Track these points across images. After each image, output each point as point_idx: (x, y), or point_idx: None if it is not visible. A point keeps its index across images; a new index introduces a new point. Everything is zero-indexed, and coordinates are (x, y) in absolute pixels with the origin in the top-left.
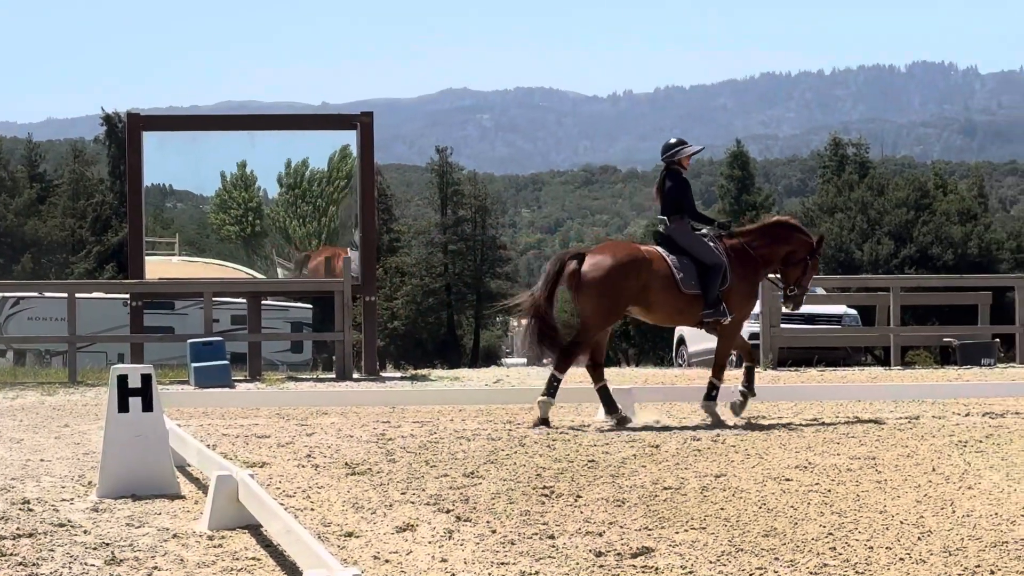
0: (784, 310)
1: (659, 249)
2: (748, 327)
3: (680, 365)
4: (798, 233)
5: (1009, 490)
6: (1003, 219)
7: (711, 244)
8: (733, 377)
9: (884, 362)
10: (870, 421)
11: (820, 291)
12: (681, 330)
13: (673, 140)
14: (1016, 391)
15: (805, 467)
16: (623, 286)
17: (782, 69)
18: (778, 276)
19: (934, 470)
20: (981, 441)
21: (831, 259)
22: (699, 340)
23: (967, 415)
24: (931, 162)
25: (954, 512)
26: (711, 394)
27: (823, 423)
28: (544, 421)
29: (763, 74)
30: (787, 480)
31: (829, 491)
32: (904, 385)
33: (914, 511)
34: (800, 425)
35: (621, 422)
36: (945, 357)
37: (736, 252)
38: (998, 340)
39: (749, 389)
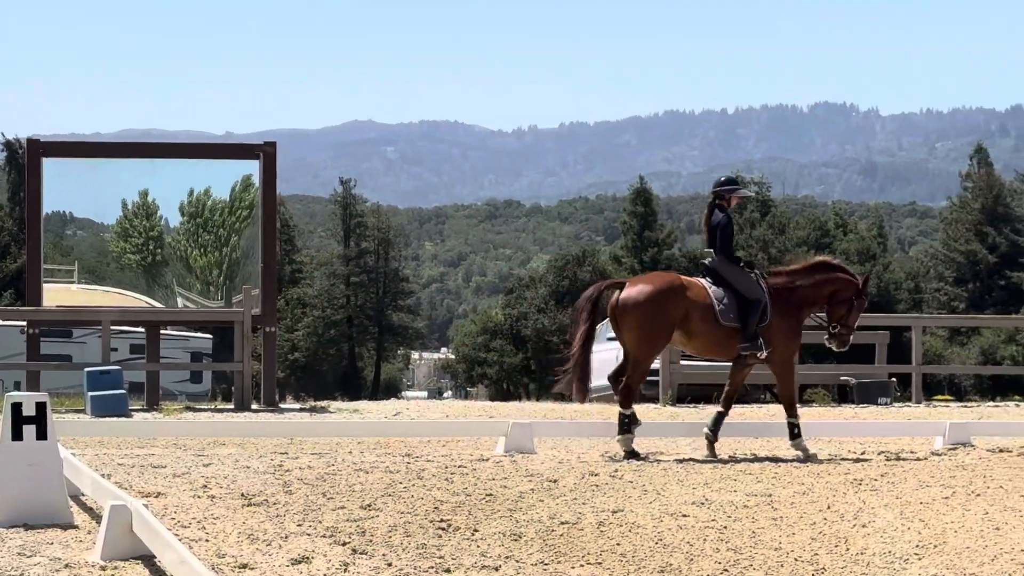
0: (831, 346)
1: (702, 280)
2: None
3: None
4: (842, 273)
5: (903, 528)
6: (901, 259)
7: (755, 280)
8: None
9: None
10: (767, 458)
11: None
12: None
13: (723, 178)
14: (912, 430)
15: (702, 503)
16: (664, 313)
17: (686, 107)
18: (823, 315)
19: (829, 508)
20: (876, 479)
21: None
22: (599, 376)
23: (863, 453)
24: (832, 202)
25: (848, 550)
26: (794, 432)
27: (721, 459)
28: (633, 454)
29: (667, 111)
30: (684, 516)
31: (725, 527)
32: (802, 423)
33: (809, 548)
34: (698, 461)
35: (630, 454)
36: (843, 395)
37: (778, 290)
38: (895, 379)
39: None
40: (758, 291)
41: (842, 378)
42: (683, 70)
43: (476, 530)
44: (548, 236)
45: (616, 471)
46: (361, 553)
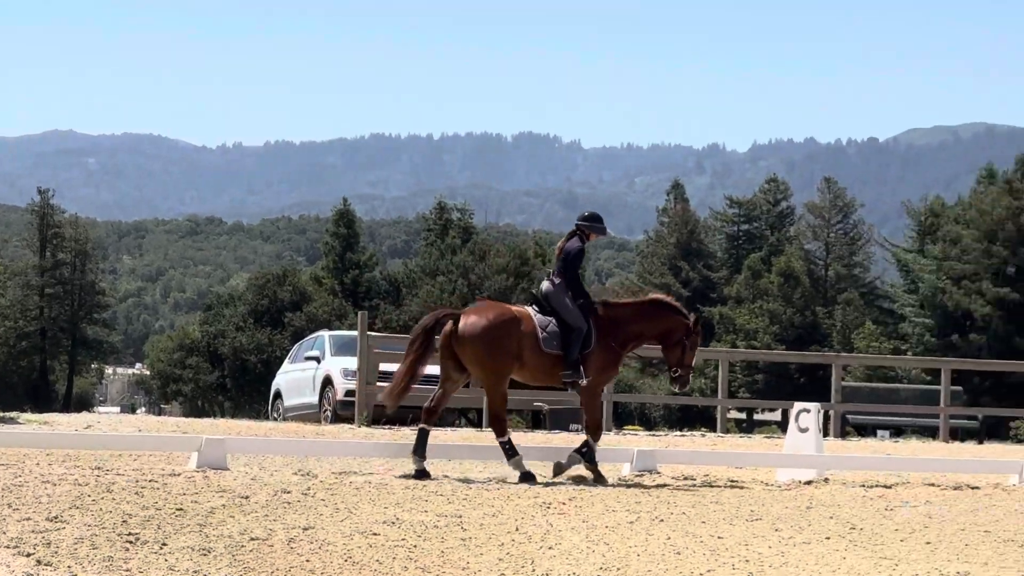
0: (673, 390)
1: (529, 309)
2: (344, 384)
3: (276, 418)
4: (674, 313)
5: (588, 551)
6: (599, 291)
7: (579, 309)
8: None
9: (477, 424)
10: (459, 480)
11: None
12: (278, 384)
13: (588, 213)
14: (601, 457)
15: (393, 522)
16: (502, 343)
17: (392, 131)
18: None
19: (517, 530)
20: (564, 503)
21: None
22: (295, 395)
23: (555, 477)
24: (533, 231)
25: (534, 571)
26: (582, 450)
27: (414, 479)
28: (529, 476)
29: (373, 134)
30: (374, 535)
31: (415, 547)
32: (487, 446)
33: (496, 569)
34: (391, 482)
35: (420, 474)
36: (536, 421)
37: (605, 321)
38: None
39: (585, 456)
40: (581, 320)
41: (535, 404)
42: (389, 94)
43: (165, 544)
44: (249, 254)
45: (308, 488)
46: (46, 565)
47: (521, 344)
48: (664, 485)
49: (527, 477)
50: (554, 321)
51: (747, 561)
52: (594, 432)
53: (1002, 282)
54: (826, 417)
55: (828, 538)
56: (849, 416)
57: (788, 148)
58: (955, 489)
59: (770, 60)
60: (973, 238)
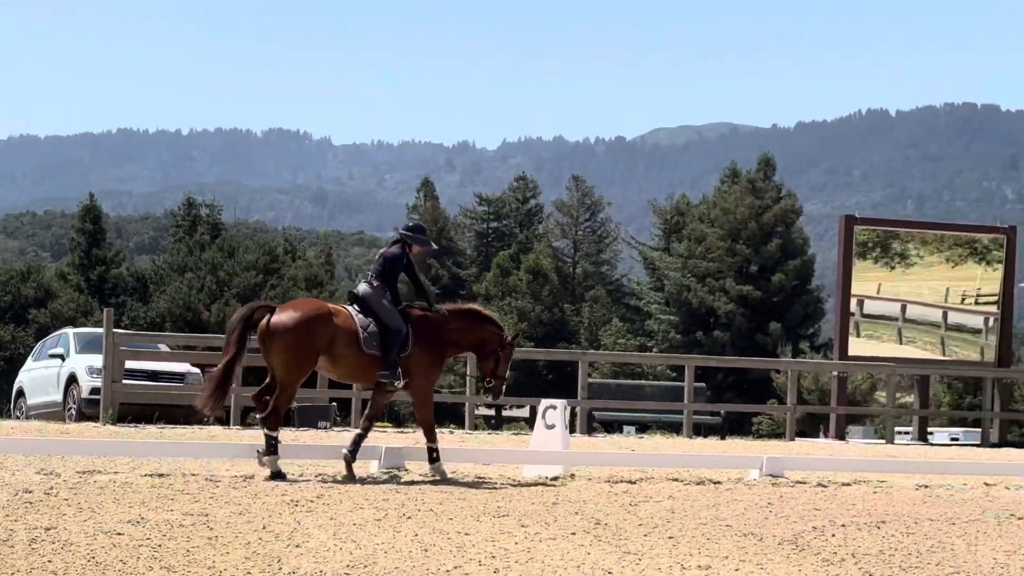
0: (487, 400)
1: (348, 308)
2: (90, 382)
3: (18, 417)
4: (489, 325)
5: (335, 548)
6: (348, 287)
7: (397, 312)
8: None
9: (224, 422)
10: (207, 478)
11: (164, 348)
12: (20, 382)
13: (413, 224)
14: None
15: (137, 522)
16: (309, 339)
17: (140, 126)
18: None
19: (264, 528)
20: (312, 501)
21: (178, 318)
22: (38, 393)
23: (301, 475)
24: (282, 227)
25: (281, 569)
26: (433, 457)
27: (161, 475)
28: (279, 475)
29: (120, 129)
30: (118, 534)
31: (160, 546)
32: (234, 444)
33: (242, 567)
34: (136, 480)
35: (276, 475)
36: (286, 418)
37: (424, 325)
38: (335, 404)
39: (354, 453)
40: (400, 322)
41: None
42: (137, 88)
43: None
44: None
45: (51, 488)
46: None
47: (334, 341)
48: (412, 482)
49: (277, 475)
50: (374, 322)
51: (493, 557)
52: (429, 432)
53: (745, 280)
54: (573, 413)
55: (574, 533)
56: (596, 412)
57: (537, 146)
58: (698, 484)
59: (519, 58)
60: (717, 236)
